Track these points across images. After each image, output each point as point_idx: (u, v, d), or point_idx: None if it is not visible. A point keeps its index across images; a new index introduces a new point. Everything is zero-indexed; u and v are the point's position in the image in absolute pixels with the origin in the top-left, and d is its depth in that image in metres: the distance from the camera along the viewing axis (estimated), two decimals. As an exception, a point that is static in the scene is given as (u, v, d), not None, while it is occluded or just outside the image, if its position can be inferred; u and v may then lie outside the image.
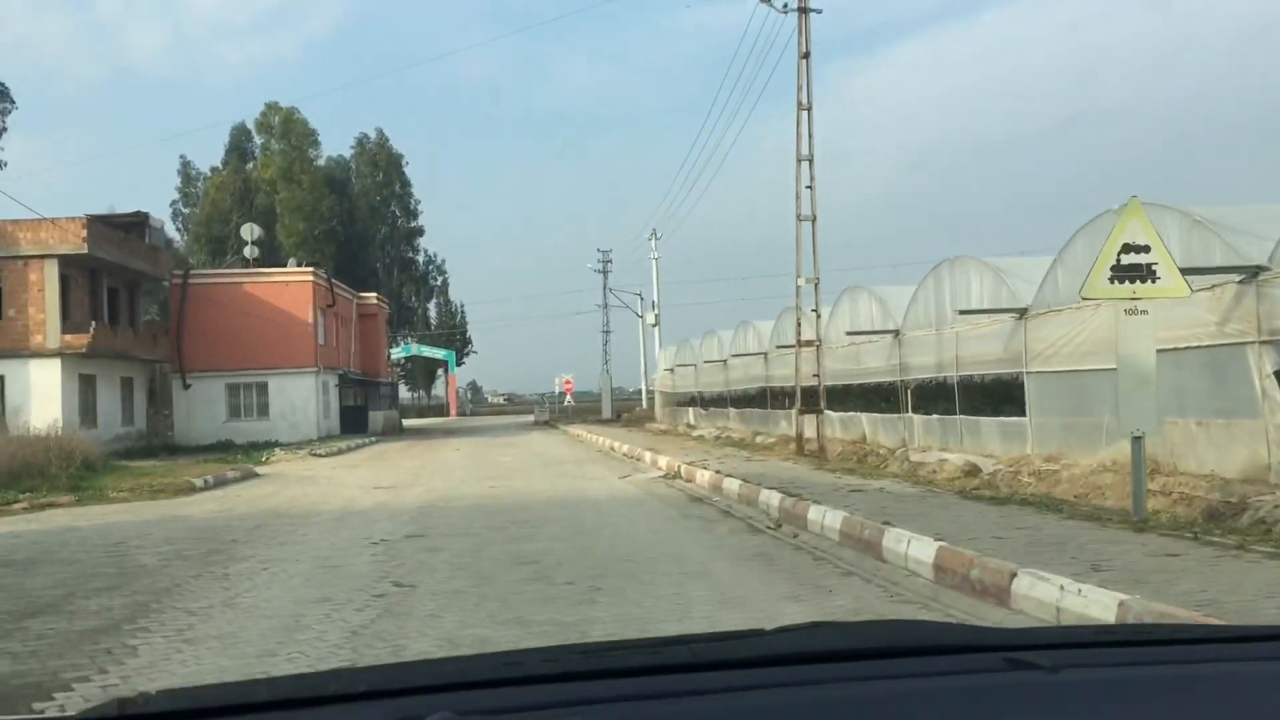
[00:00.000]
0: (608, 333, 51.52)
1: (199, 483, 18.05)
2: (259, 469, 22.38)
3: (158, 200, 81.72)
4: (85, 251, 29.28)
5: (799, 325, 20.45)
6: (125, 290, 35.66)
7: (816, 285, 20.23)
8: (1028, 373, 14.89)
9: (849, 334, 20.95)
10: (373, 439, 37.66)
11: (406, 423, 60.03)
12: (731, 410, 31.28)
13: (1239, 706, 1.38)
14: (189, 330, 36.92)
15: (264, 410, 37.91)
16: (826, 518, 9.98)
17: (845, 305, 21.89)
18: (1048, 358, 14.41)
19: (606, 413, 49.97)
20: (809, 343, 20.37)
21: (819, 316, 20.44)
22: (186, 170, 79.45)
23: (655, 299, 58.16)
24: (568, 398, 59.60)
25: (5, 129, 50.04)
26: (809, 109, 19.94)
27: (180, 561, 9.39)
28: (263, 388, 37.90)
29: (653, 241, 58.21)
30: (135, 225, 35.85)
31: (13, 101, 50.48)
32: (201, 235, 64.98)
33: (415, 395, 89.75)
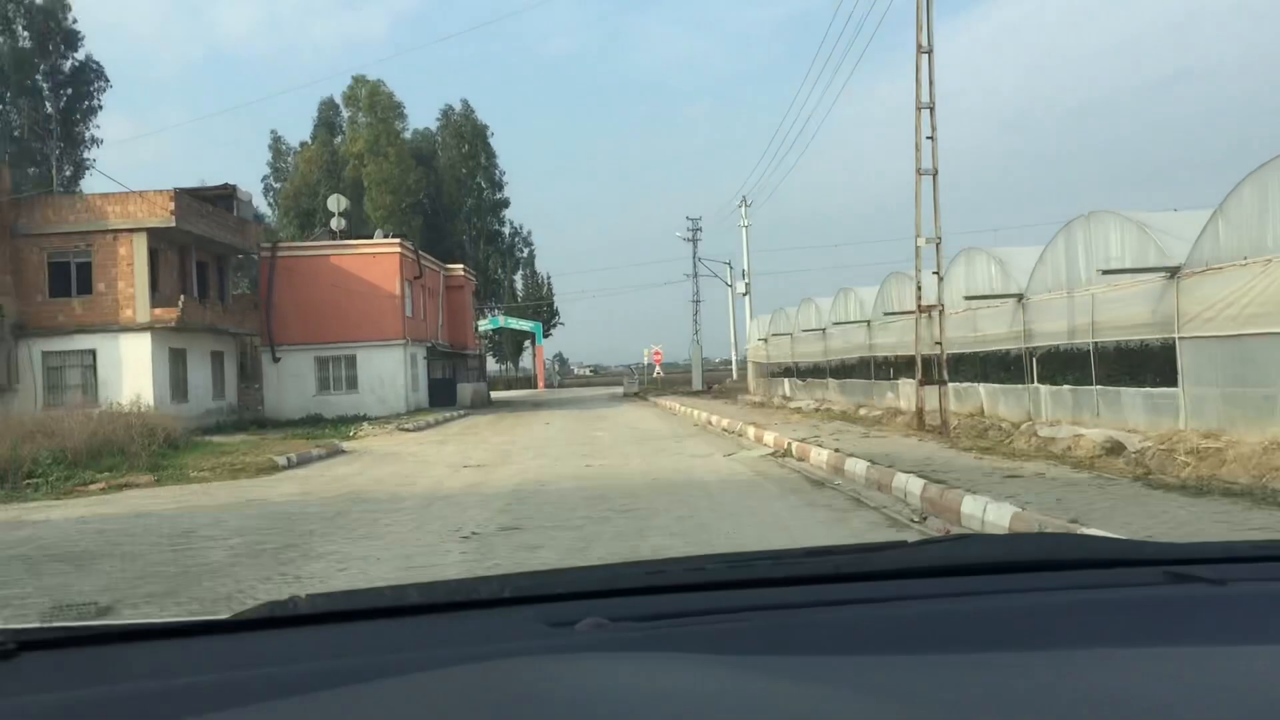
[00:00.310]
0: (698, 302, 50.10)
1: (281, 461, 17.22)
2: (345, 444, 21.60)
3: (249, 176, 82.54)
4: (173, 224, 28.86)
5: (918, 289, 18.73)
6: (214, 264, 35.41)
7: (939, 245, 18.46)
8: (1180, 338, 13.09)
9: (968, 299, 19.21)
10: (461, 412, 36.94)
11: (494, 395, 59.58)
12: (831, 381, 29.61)
13: None
14: (278, 303, 36.57)
15: (352, 383, 37.46)
16: (989, 512, 8.44)
17: (960, 268, 20.14)
18: (1205, 321, 12.60)
19: (697, 384, 48.60)
20: (929, 307, 18.65)
21: (940, 279, 18.69)
22: (277, 145, 79.92)
23: (745, 267, 56.45)
24: (657, 369, 58.41)
25: (101, 107, 50.56)
26: (929, 52, 18.11)
27: (249, 560, 8.32)
28: (351, 360, 37.42)
29: (743, 209, 56.41)
30: (224, 198, 35.52)
31: (107, 80, 51.04)
32: (290, 209, 65.33)
33: (503, 368, 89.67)
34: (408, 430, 25.83)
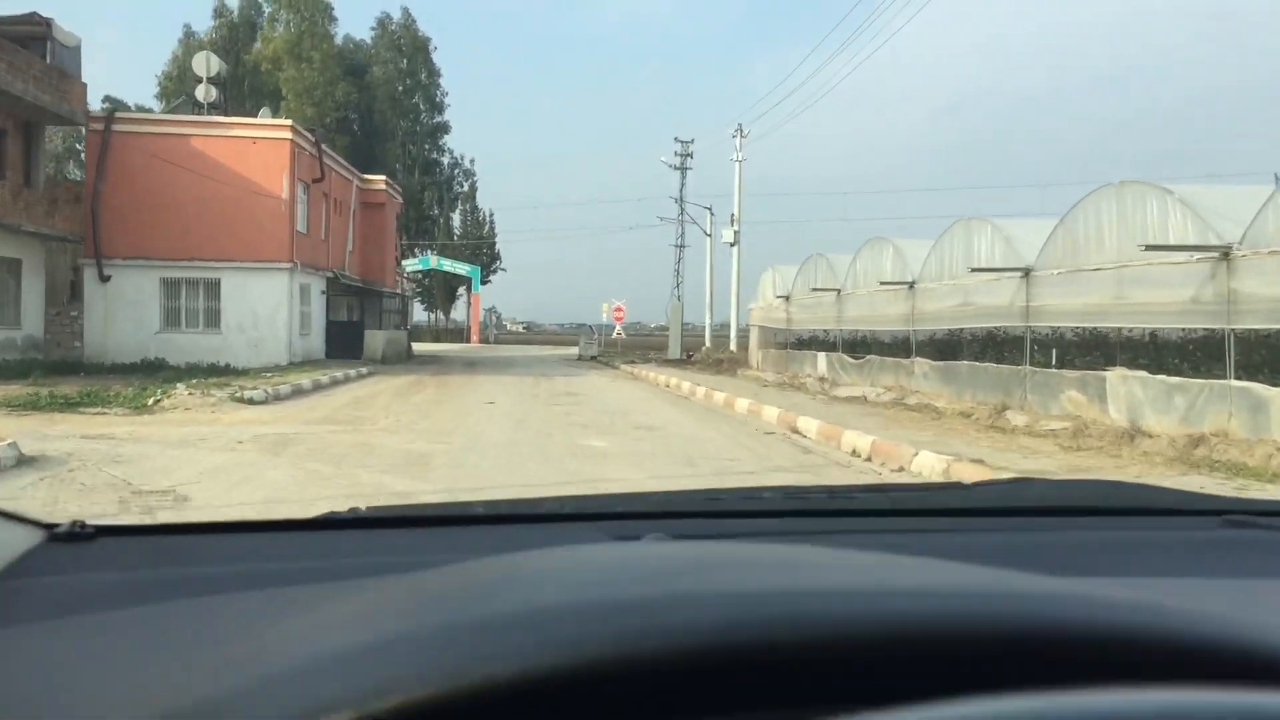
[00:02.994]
0: (681, 247, 39.63)
1: None
2: (119, 428, 11.34)
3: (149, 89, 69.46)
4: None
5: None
6: (16, 132, 24.37)
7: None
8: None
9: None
10: (364, 370, 26.45)
11: (418, 347, 48.88)
12: (922, 363, 19.82)
13: None
14: (111, 198, 25.63)
15: (214, 319, 26.74)
16: None
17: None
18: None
19: (675, 350, 38.38)
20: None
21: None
22: (188, 41, 67.04)
23: (736, 211, 46.40)
24: (617, 329, 48.17)
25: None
26: None
27: None
28: (213, 287, 26.68)
29: (738, 139, 46.25)
30: (33, 38, 24.47)
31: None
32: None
33: (432, 316, 78.51)
34: (258, 403, 15.29)
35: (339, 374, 22.97)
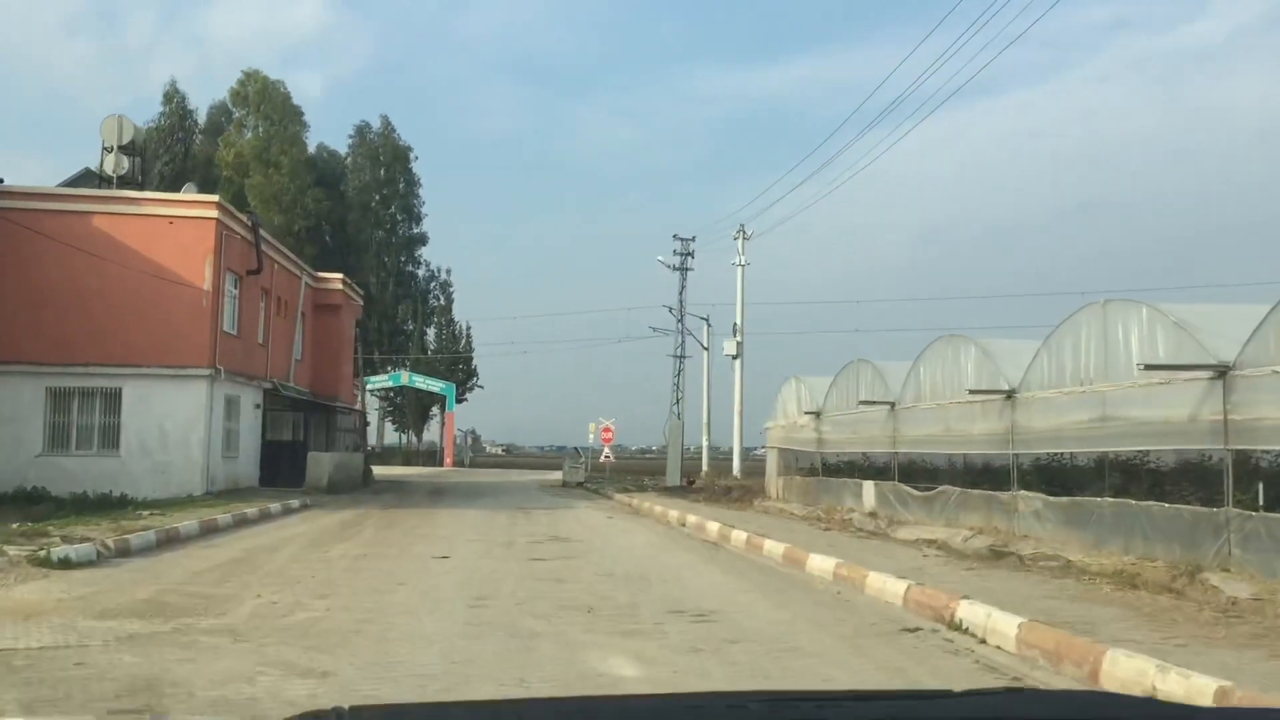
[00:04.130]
0: (682, 358, 34.46)
1: None
2: None
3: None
4: None
5: None
6: None
7: None
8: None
9: None
10: (301, 501, 21.08)
11: (383, 471, 43.41)
12: (1033, 497, 14.66)
13: None
14: (-12, 288, 20.68)
15: (111, 438, 21.47)
16: None
17: None
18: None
19: (673, 476, 33.06)
20: None
21: None
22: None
23: (738, 321, 41.80)
24: (606, 451, 42.92)
25: None
26: None
27: None
28: (112, 398, 21.49)
29: (739, 241, 41.99)
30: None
31: None
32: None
33: (403, 438, 72.97)
34: (69, 564, 9.78)
35: (256, 510, 17.62)
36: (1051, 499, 14.37)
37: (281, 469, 25.97)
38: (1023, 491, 15.04)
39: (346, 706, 1.33)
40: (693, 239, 34.12)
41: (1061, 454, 15.99)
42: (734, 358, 41.52)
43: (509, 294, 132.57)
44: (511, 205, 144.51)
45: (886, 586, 8.69)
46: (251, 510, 17.23)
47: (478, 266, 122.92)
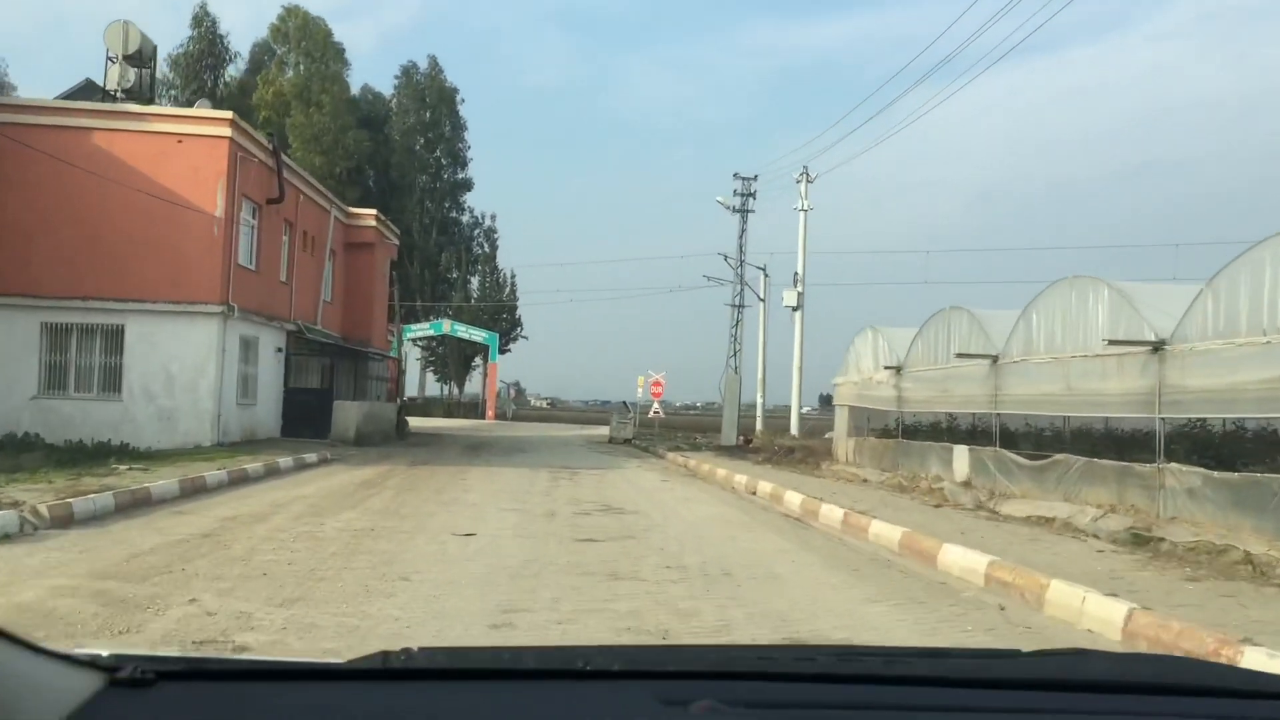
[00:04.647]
0: (740, 306, 31.41)
1: None
2: None
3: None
4: None
5: None
6: None
7: None
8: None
9: None
10: (322, 455, 18.87)
11: (420, 424, 41.35)
12: (1192, 472, 11.92)
13: None
14: (-23, 211, 18.53)
15: (112, 380, 19.38)
16: None
17: None
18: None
19: (729, 435, 30.47)
20: None
21: None
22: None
23: (800, 270, 38.91)
24: (655, 406, 40.38)
25: None
26: None
27: None
28: (114, 335, 19.37)
29: (802, 184, 38.93)
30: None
31: None
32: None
33: (445, 389, 70.98)
34: (6, 537, 7.67)
35: (261, 465, 15.37)
36: (1215, 474, 11.61)
37: (306, 419, 23.81)
38: (1174, 464, 12.29)
39: (416, 648, 1.37)
40: (754, 178, 31.20)
41: (1205, 419, 13.39)
42: (794, 309, 38.70)
43: (555, 245, 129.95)
44: (559, 158, 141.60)
45: (1089, 608, 6.02)
46: (255, 465, 14.97)
47: (524, 218, 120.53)
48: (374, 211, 30.07)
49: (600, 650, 1.49)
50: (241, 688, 1.30)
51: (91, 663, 1.21)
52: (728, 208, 31.14)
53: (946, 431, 20.53)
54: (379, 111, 70.42)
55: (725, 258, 39.52)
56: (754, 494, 15.26)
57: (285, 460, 16.44)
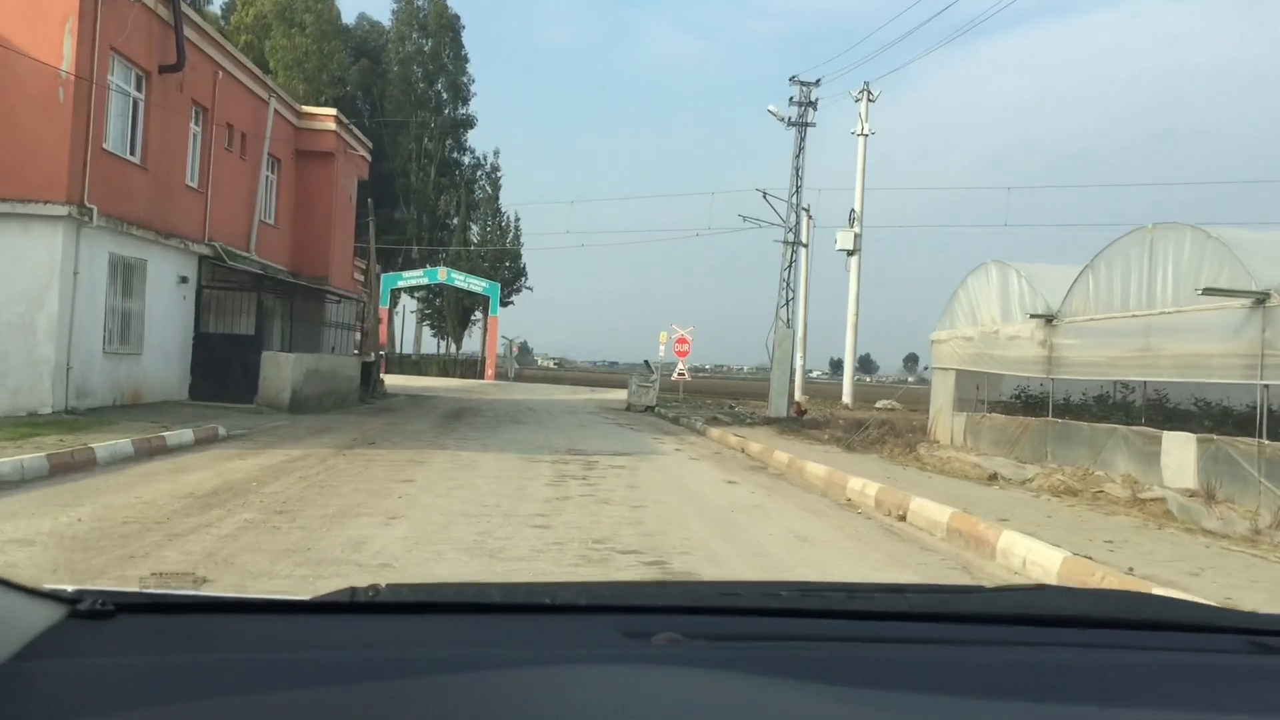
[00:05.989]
0: (795, 244, 24.65)
1: None
2: None
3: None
4: None
5: None
6: None
7: None
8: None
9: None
10: (210, 433, 12.60)
11: (404, 383, 35.16)
12: None
13: None
14: None
15: (-96, 314, 13.09)
16: None
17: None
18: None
19: (779, 406, 24.08)
20: None
21: None
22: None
23: (857, 207, 32.35)
24: (680, 367, 34.08)
25: None
26: None
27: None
28: (-94, 248, 13.04)
29: (863, 104, 32.24)
30: None
31: None
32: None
33: (442, 345, 64.59)
34: None
35: (108, 448, 9.17)
36: None
37: (227, 377, 17.60)
38: None
39: (384, 584, 1.34)
40: (816, 83, 24.57)
41: None
42: (850, 253, 32.27)
43: (563, 171, 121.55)
44: (570, 116, 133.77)
45: None
46: (104, 450, 8.75)
47: (531, 168, 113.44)
48: (334, 111, 23.62)
49: (566, 586, 1.47)
50: (203, 620, 1.28)
51: (54, 595, 1.21)
52: (781, 119, 24.52)
53: (1119, 408, 14.30)
54: (376, 42, 63.69)
55: (764, 195, 32.87)
56: (904, 519, 8.89)
57: (123, 444, 10.14)
